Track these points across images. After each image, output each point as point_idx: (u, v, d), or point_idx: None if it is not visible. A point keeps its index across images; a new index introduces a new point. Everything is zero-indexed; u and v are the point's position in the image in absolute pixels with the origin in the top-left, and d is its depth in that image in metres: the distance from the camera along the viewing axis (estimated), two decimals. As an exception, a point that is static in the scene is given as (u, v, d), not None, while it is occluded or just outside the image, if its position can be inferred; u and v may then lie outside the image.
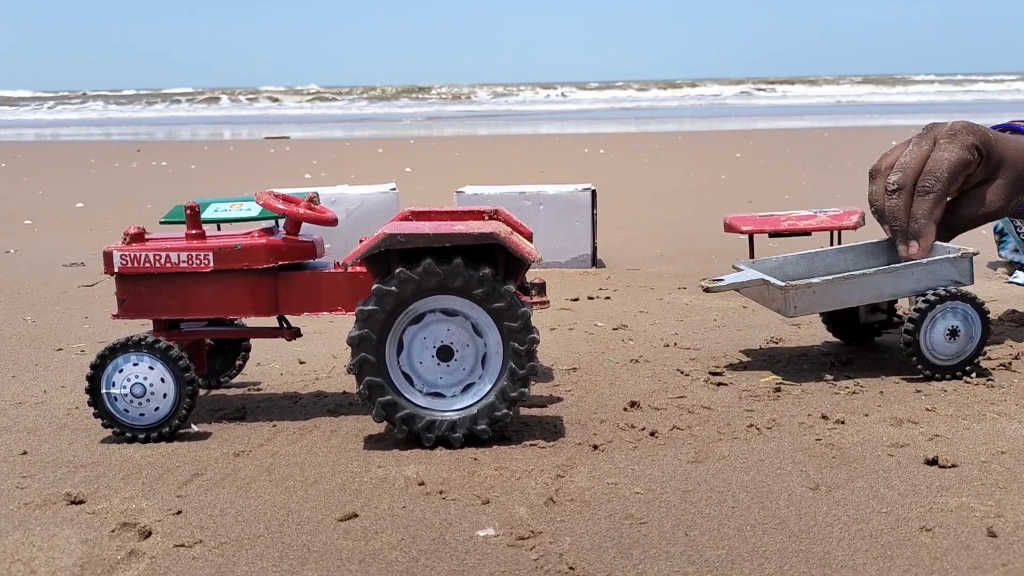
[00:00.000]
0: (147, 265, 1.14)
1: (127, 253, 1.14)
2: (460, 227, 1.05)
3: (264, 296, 1.16)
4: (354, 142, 8.77)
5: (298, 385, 1.36)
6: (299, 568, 0.81)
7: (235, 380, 1.37)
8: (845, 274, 1.30)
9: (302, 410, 1.24)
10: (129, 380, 1.10)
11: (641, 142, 8.05)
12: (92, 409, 1.11)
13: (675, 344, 1.54)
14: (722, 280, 1.36)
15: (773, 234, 1.94)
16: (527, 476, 0.99)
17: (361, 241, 1.11)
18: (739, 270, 1.44)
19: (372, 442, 1.10)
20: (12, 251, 2.83)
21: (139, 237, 1.16)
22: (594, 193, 2.31)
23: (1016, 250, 2.14)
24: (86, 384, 1.10)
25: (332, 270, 1.17)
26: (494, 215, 1.19)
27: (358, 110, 17.90)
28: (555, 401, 1.25)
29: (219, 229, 2.12)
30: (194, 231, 1.16)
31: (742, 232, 1.94)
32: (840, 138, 7.66)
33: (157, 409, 1.11)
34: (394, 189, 2.39)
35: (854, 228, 1.98)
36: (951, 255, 1.29)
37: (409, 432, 1.07)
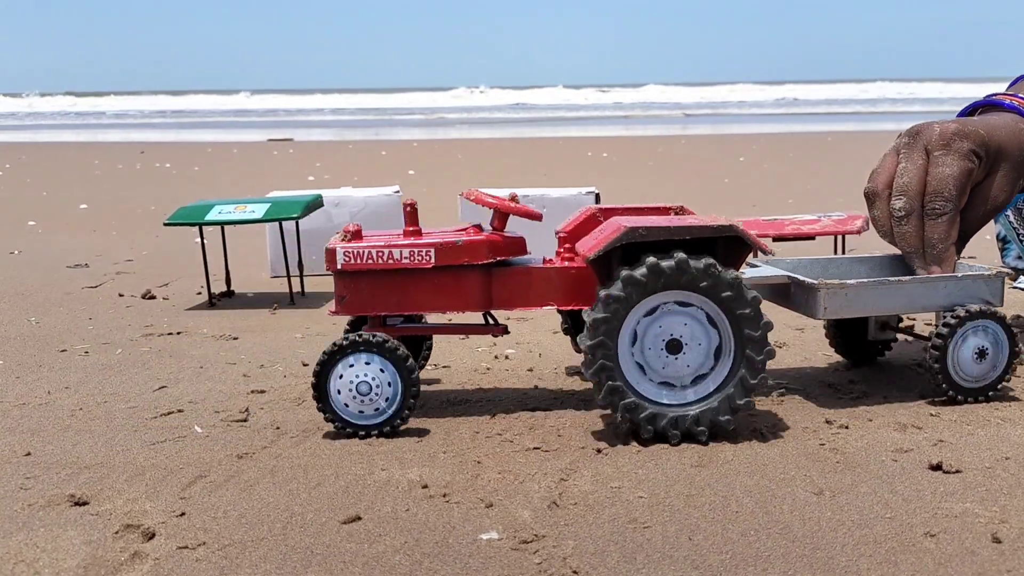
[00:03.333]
0: (369, 262, 1.15)
1: (350, 249, 1.15)
2: (694, 220, 1.08)
3: (479, 292, 1.17)
4: (357, 144, 8.78)
5: (301, 387, 1.36)
6: (302, 571, 0.81)
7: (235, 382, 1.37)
8: (884, 279, 1.20)
9: (305, 412, 1.24)
10: (355, 379, 1.11)
11: (644, 145, 8.05)
12: (318, 405, 1.11)
13: (678, 348, 1.53)
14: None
15: (777, 238, 1.94)
16: (530, 480, 0.99)
17: (557, 233, 1.21)
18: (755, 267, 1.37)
19: (375, 445, 1.10)
20: (16, 252, 2.84)
21: (359, 234, 1.17)
22: (598, 196, 2.31)
23: (1020, 257, 2.13)
24: (312, 382, 1.11)
25: (542, 265, 1.18)
26: (680, 210, 1.23)
27: (358, 114, 17.93)
28: (558, 404, 1.25)
29: (223, 232, 2.13)
30: (412, 228, 1.17)
31: (746, 236, 1.94)
32: (844, 141, 7.65)
33: (387, 401, 1.11)
34: (398, 192, 2.39)
35: (858, 232, 1.97)
36: (984, 271, 1.23)
37: (653, 431, 1.07)
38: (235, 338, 1.67)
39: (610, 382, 1.07)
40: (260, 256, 2.58)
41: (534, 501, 0.93)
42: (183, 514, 0.92)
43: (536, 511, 0.91)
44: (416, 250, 1.14)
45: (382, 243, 1.15)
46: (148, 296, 2.07)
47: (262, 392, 1.34)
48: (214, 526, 0.89)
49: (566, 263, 1.18)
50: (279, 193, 2.26)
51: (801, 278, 1.20)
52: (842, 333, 1.42)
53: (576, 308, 1.18)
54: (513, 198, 1.20)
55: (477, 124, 13.32)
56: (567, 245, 1.21)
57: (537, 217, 1.19)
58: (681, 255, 1.04)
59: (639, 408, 1.07)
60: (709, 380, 1.09)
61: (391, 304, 1.16)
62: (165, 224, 1.93)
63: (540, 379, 1.37)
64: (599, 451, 1.06)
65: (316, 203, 2.02)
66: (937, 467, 0.99)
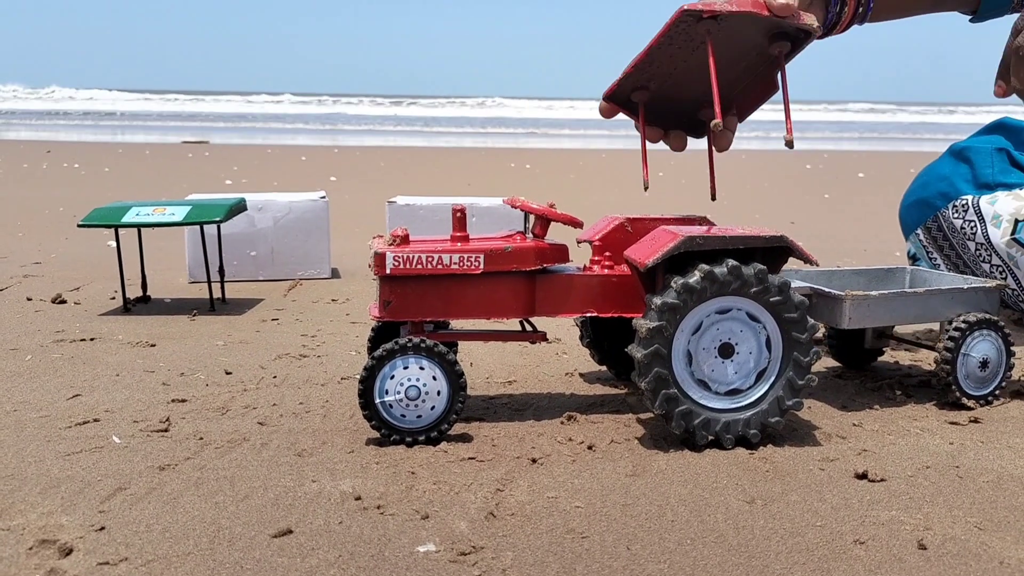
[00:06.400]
0: (419, 267, 1.12)
1: (400, 255, 1.12)
2: (748, 231, 1.10)
3: (524, 298, 1.16)
4: (276, 149, 8.62)
5: (225, 396, 1.31)
6: (232, 586, 0.78)
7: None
8: (903, 291, 1.26)
9: (230, 422, 1.20)
10: (405, 383, 1.08)
11: (567, 158, 8.13)
12: (364, 413, 1.09)
13: (608, 358, 1.54)
14: None
15: None
16: (466, 490, 0.97)
17: (582, 242, 1.24)
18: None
19: (305, 455, 1.07)
20: (-88, 252, 2.68)
21: (407, 239, 1.14)
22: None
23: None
24: (359, 389, 1.08)
25: (583, 273, 1.18)
26: (702, 221, 1.25)
27: (282, 121, 17.67)
28: (492, 414, 1.24)
29: (139, 234, 2.05)
30: (460, 233, 1.15)
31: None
32: (760, 159, 7.87)
33: (433, 408, 1.10)
34: (324, 197, 2.35)
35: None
36: (986, 284, 1.30)
37: (707, 435, 1.08)
38: (152, 345, 1.61)
39: (665, 391, 1.07)
40: (178, 260, 2.51)
41: (471, 512, 0.92)
42: (103, 528, 0.87)
43: (473, 522, 0.90)
44: (466, 256, 1.14)
45: (432, 248, 1.13)
46: (59, 300, 1.98)
47: (183, 401, 1.29)
48: (136, 541, 0.85)
49: (606, 271, 1.19)
50: (199, 196, 2.19)
51: (826, 289, 1.26)
52: (841, 341, 1.49)
53: (614, 316, 1.19)
54: (552, 206, 1.20)
55: (399, 133, 13.24)
56: (607, 253, 1.22)
57: (578, 224, 1.20)
58: (733, 262, 1.06)
59: (693, 415, 1.08)
60: (759, 383, 1.11)
61: (437, 310, 1.15)
62: (80, 225, 1.85)
63: (472, 388, 1.36)
64: (534, 461, 1.06)
65: (239, 207, 1.96)
66: (863, 476, 1.02)
